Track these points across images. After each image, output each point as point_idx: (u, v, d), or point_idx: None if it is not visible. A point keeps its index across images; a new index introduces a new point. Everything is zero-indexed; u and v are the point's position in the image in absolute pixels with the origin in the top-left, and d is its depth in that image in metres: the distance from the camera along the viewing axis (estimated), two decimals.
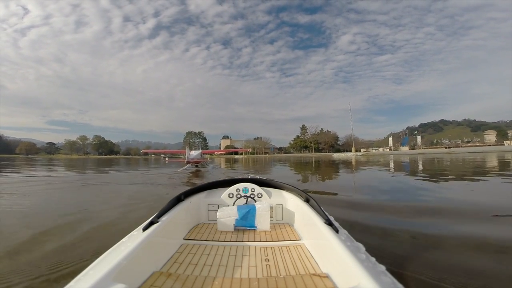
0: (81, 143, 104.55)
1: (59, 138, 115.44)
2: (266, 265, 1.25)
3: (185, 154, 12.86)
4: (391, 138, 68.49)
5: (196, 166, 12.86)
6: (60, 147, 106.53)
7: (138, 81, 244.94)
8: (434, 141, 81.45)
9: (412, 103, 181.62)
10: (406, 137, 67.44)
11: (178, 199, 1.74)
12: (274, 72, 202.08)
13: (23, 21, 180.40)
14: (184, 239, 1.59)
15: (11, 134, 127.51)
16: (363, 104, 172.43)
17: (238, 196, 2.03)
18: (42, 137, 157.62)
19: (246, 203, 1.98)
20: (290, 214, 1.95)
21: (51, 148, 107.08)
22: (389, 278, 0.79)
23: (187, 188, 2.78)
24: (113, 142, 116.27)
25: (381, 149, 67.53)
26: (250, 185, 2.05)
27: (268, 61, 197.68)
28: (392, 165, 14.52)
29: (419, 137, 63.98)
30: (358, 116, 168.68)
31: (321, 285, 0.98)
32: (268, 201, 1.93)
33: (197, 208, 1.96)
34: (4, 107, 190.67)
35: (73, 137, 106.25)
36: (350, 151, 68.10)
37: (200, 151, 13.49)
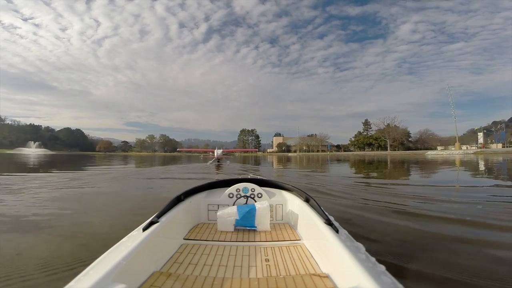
0: (149, 141, 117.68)
1: (133, 138, 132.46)
2: (266, 265, 1.25)
3: (213, 152, 17.79)
4: (481, 134, 59.73)
5: (218, 161, 16.89)
6: (133, 146, 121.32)
7: (197, 84, 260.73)
8: None
9: (498, 94, 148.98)
10: (503, 132, 57.21)
11: (178, 199, 1.74)
12: (327, 67, 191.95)
13: (98, 33, 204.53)
14: (184, 239, 1.59)
15: (97, 135, 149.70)
16: (434, 97, 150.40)
17: (238, 196, 2.02)
18: (121, 137, 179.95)
19: (246, 203, 1.98)
20: (290, 214, 1.94)
21: (125, 146, 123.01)
22: (389, 278, 0.78)
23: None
24: (177, 140, 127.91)
25: (464, 147, 59.72)
26: (250, 185, 2.05)
27: (320, 57, 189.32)
28: None
29: None
30: (429, 111, 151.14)
31: (321, 285, 0.97)
32: (268, 201, 1.91)
33: (197, 208, 1.97)
34: (92, 110, 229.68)
35: (145, 137, 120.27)
36: (429, 149, 62.02)
37: (222, 150, 17.33)
